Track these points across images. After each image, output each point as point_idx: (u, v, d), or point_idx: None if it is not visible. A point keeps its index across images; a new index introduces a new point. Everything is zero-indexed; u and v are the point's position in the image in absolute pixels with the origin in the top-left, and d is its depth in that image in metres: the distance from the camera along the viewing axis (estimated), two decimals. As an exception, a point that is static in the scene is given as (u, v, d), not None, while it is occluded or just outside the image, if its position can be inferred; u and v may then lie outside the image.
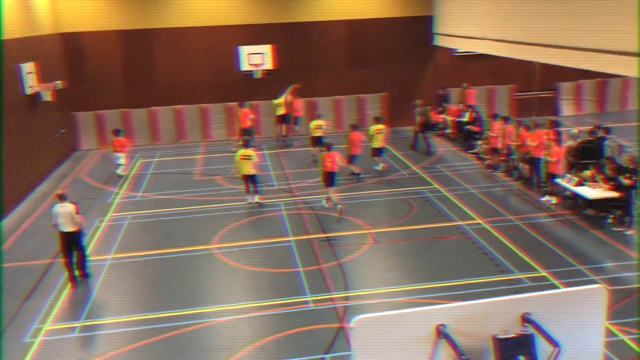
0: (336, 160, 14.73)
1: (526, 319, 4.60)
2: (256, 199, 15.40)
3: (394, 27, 23.79)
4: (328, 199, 15.06)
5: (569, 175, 14.29)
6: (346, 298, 10.43)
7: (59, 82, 19.77)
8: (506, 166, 17.27)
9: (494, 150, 17.58)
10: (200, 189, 17.13)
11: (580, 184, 13.75)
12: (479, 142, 19.22)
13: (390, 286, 10.89)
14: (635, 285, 10.37)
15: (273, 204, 15.51)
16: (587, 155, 14.83)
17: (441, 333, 4.48)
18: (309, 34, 23.42)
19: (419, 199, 15.49)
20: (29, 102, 17.81)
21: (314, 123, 19.27)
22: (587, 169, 14.19)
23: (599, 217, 13.42)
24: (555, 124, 16.39)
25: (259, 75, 23.06)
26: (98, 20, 21.99)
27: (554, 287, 10.36)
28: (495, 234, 13.01)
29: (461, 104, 22.52)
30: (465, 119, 20.74)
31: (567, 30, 13.33)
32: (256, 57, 22.81)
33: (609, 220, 13.24)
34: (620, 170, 12.99)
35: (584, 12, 12.70)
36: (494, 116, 18.17)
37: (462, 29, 20.62)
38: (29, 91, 17.49)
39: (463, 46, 21.87)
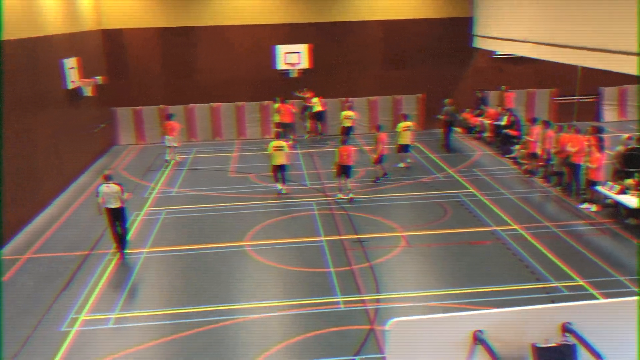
0: (352, 153, 15.41)
1: (567, 329, 4.45)
2: (282, 188, 16.15)
3: (433, 28, 23.54)
4: (340, 189, 15.70)
5: (610, 183, 13.87)
6: (377, 300, 10.34)
7: (99, 77, 20.20)
8: (544, 172, 16.89)
9: (533, 155, 17.20)
10: (235, 186, 17.26)
11: (622, 192, 13.33)
12: (517, 146, 18.85)
13: (422, 290, 10.75)
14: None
15: (306, 203, 15.53)
16: (634, 162, 14.35)
17: (478, 339, 4.39)
18: (346, 33, 23.38)
19: (453, 203, 15.27)
20: (70, 97, 18.25)
21: (344, 113, 19.74)
22: (631, 176, 13.75)
23: (642, 226, 13.01)
24: (597, 130, 15.93)
25: (294, 74, 23.13)
26: (139, 17, 22.44)
27: (592, 297, 10.08)
28: (532, 240, 12.72)
29: (499, 107, 22.15)
30: (503, 122, 20.36)
31: (615, 33, 12.93)
32: (292, 56, 22.88)
33: (652, 230, 12.83)
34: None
35: (632, 15, 12.31)
36: (534, 120, 17.79)
37: (503, 31, 20.25)
38: (70, 86, 17.93)
39: (503, 48, 21.48)
